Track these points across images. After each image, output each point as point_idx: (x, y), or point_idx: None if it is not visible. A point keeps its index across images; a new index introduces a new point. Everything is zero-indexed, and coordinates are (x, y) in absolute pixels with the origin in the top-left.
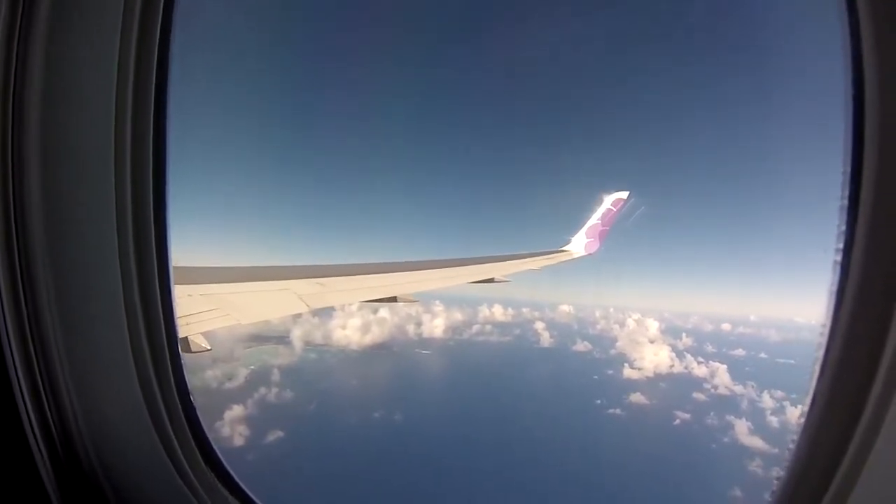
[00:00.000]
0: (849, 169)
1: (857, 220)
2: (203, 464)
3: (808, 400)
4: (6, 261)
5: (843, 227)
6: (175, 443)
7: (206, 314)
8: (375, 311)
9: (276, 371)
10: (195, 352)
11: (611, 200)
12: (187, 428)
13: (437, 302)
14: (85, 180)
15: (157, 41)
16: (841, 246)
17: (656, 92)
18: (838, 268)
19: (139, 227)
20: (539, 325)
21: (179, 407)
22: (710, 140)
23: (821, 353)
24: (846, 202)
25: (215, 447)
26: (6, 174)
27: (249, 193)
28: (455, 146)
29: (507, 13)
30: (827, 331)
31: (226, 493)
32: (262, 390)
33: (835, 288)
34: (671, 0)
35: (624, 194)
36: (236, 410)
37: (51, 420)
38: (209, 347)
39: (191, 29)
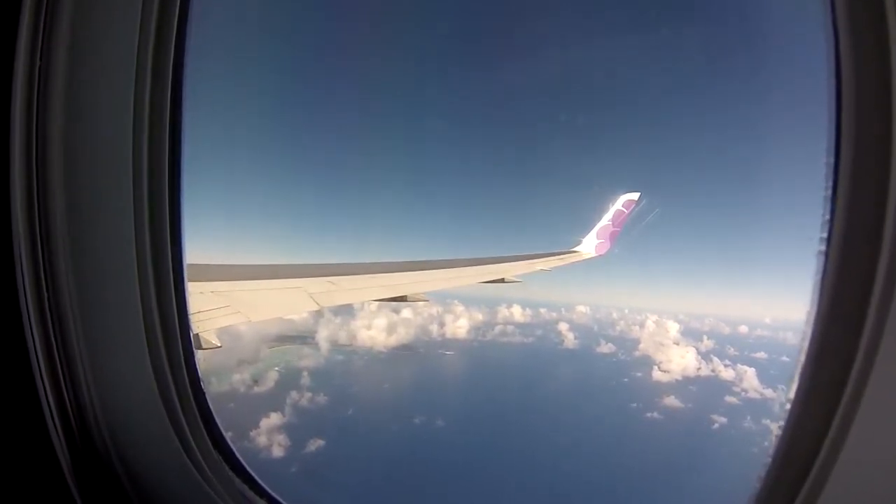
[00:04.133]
0: (831, 162)
1: (833, 221)
2: (212, 448)
3: (790, 398)
4: (30, 255)
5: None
6: (186, 428)
7: (217, 311)
8: (398, 312)
9: (305, 373)
10: (206, 349)
11: (622, 202)
12: (198, 414)
13: (456, 302)
14: (104, 175)
15: (174, 41)
16: (824, 239)
17: (669, 92)
18: (821, 264)
19: (155, 221)
20: (562, 326)
21: (191, 394)
22: (717, 141)
23: (801, 354)
24: (828, 200)
25: (224, 433)
26: (30, 172)
27: (260, 192)
28: (464, 146)
29: (519, 11)
30: (806, 335)
31: (232, 475)
32: (294, 394)
33: (816, 286)
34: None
35: (635, 195)
36: (271, 417)
37: (69, 405)
38: (219, 345)
39: (206, 27)
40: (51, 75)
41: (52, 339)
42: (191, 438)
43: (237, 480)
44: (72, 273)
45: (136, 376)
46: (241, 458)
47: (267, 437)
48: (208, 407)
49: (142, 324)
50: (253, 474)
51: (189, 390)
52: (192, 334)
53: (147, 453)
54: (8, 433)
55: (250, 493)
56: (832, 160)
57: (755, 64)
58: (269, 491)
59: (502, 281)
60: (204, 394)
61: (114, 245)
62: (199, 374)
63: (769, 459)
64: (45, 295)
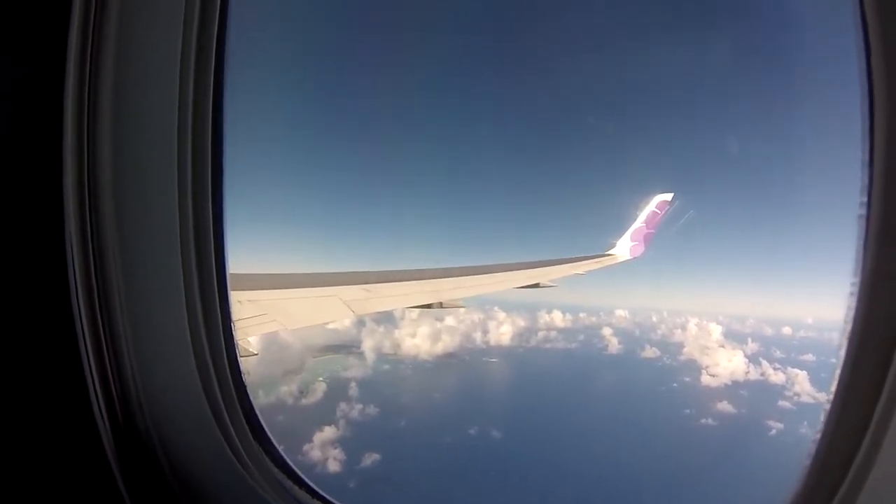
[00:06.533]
0: (866, 160)
1: (869, 222)
2: (251, 436)
3: (830, 398)
4: (81, 252)
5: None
6: (226, 415)
7: (254, 319)
8: (441, 319)
9: (353, 384)
10: (243, 356)
11: (655, 203)
12: (237, 402)
13: (497, 308)
14: (152, 174)
15: (215, 46)
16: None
17: (702, 91)
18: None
19: (198, 218)
20: (606, 331)
21: (231, 383)
22: (751, 140)
23: (840, 354)
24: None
25: (263, 423)
26: (82, 174)
27: (294, 199)
28: (493, 150)
29: (550, 13)
30: (845, 334)
31: (270, 463)
32: (344, 406)
33: (853, 291)
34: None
35: (668, 196)
36: (323, 430)
37: (113, 389)
38: (256, 352)
39: (247, 31)
40: (100, 80)
41: (100, 326)
42: (230, 426)
43: (275, 469)
44: (119, 265)
45: (179, 362)
46: (279, 448)
47: (321, 451)
48: (247, 394)
49: (185, 313)
50: (291, 464)
51: (229, 379)
52: (232, 324)
53: (187, 439)
54: (56, 416)
55: (288, 483)
56: (867, 157)
57: (790, 62)
58: (308, 481)
59: (537, 286)
60: (243, 382)
61: (159, 237)
62: (240, 365)
63: (807, 462)
64: (95, 285)
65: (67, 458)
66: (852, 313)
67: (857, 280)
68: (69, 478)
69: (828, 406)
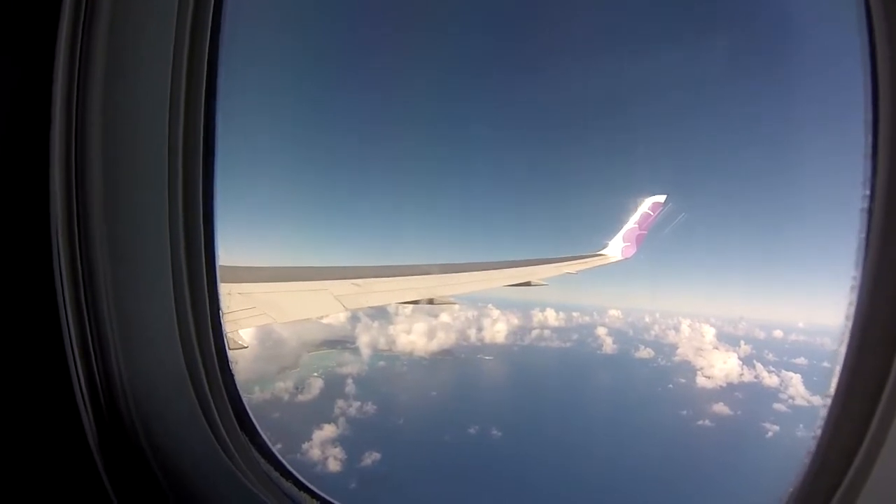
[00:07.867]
0: (869, 172)
1: (871, 223)
2: (238, 429)
3: (828, 400)
4: (67, 241)
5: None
6: (213, 407)
7: (244, 312)
8: (435, 316)
9: (349, 380)
10: (232, 349)
11: (648, 204)
12: (225, 394)
13: (491, 306)
14: (140, 155)
15: (208, 43)
16: (863, 248)
17: (697, 94)
18: (859, 272)
19: (188, 206)
20: (600, 331)
21: (219, 374)
22: (748, 143)
23: (840, 355)
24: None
25: (251, 414)
26: (69, 163)
27: (285, 194)
28: (486, 148)
29: (549, 15)
30: (845, 335)
31: (258, 455)
32: (342, 403)
33: (854, 292)
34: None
35: (661, 198)
36: (322, 428)
37: (98, 378)
38: (246, 345)
39: (241, 30)
40: (90, 76)
41: (85, 317)
42: (217, 417)
43: (262, 461)
44: (107, 254)
45: (166, 352)
46: (266, 439)
47: (321, 450)
48: (235, 386)
49: (173, 304)
50: (279, 456)
51: (217, 371)
52: (222, 315)
53: (173, 430)
54: (38, 408)
55: (275, 474)
56: (870, 161)
57: (789, 65)
58: (295, 473)
59: (528, 284)
60: (231, 373)
61: (149, 227)
62: (228, 354)
63: (806, 461)
64: (80, 275)
65: (50, 451)
66: (854, 309)
67: (859, 275)
68: (52, 471)
69: (827, 405)
